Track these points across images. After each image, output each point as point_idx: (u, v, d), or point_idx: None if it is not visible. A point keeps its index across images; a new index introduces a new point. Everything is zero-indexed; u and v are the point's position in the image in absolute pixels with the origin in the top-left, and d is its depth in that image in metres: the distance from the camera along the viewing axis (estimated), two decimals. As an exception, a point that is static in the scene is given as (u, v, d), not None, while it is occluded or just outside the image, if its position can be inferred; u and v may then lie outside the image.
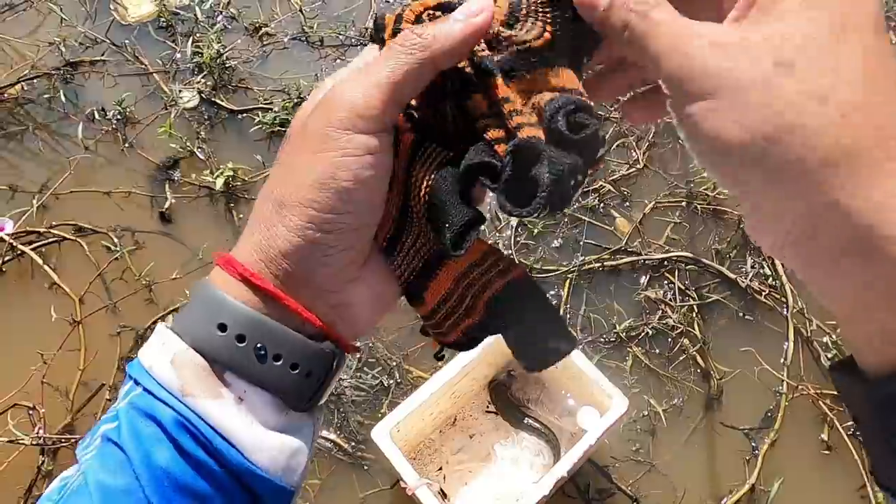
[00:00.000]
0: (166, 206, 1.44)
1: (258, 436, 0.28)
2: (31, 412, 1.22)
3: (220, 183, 1.42)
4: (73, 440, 1.19)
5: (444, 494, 1.08)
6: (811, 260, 0.24)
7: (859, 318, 0.24)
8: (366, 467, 1.17)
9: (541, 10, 0.29)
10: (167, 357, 0.28)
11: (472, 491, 1.10)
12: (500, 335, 0.34)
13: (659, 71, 0.24)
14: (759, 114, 0.22)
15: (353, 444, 1.19)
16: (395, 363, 1.25)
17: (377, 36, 0.31)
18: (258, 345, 0.28)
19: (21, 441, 1.16)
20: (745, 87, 0.22)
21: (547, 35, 0.29)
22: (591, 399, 1.04)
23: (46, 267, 1.36)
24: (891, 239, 0.21)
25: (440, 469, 1.12)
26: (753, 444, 1.17)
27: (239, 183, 1.46)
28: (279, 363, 0.28)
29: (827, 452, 1.16)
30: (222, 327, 0.28)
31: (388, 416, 0.96)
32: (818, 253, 0.23)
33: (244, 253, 0.29)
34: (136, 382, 0.29)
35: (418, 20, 0.29)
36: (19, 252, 1.38)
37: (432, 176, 0.29)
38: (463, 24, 0.27)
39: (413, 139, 0.30)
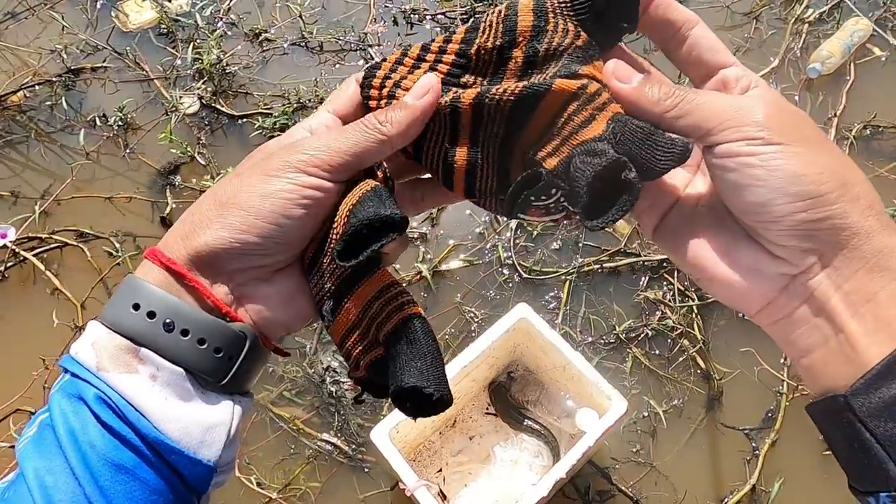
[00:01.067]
0: (167, 210, 1.44)
1: (169, 408, 0.30)
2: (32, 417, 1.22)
3: (220, 188, 1.43)
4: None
5: (443, 496, 1.08)
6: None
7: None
8: (366, 470, 1.17)
9: (566, 11, 0.32)
10: (89, 341, 0.31)
11: (472, 492, 1.10)
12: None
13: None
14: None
15: (353, 446, 1.19)
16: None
17: (363, 93, 0.35)
18: (167, 320, 0.30)
19: (23, 446, 1.17)
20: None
21: (583, 35, 0.32)
22: (590, 400, 1.04)
23: (48, 273, 1.37)
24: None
25: (440, 470, 1.13)
26: (754, 444, 1.17)
27: (239, 187, 1.46)
28: (187, 338, 0.31)
29: (828, 452, 1.16)
30: (136, 307, 0.30)
31: (388, 417, 0.96)
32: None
33: (167, 242, 0.33)
34: (65, 370, 0.31)
35: (395, 86, 0.34)
36: (21, 258, 1.39)
37: (355, 201, 0.32)
38: (409, 110, 0.33)
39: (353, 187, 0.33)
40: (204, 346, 0.31)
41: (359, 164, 0.33)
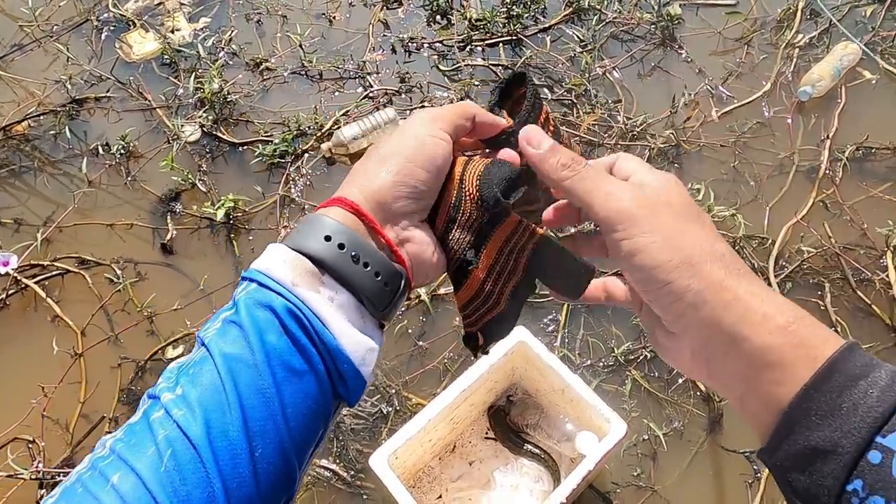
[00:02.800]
0: (168, 237, 1.46)
1: (344, 326, 0.36)
2: (30, 445, 1.22)
3: (220, 214, 1.45)
4: (72, 473, 1.19)
5: (443, 523, 1.07)
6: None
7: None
8: (365, 496, 1.16)
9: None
10: (279, 259, 0.36)
11: (473, 519, 1.09)
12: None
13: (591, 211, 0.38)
14: (670, 242, 0.36)
15: (351, 472, 1.18)
16: (394, 390, 1.25)
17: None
18: (353, 252, 0.36)
19: (20, 475, 1.16)
20: (658, 227, 0.36)
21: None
22: (590, 423, 1.04)
23: (49, 300, 1.38)
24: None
25: (440, 497, 1.12)
26: (756, 467, 1.16)
27: (239, 214, 1.48)
28: (367, 269, 0.37)
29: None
30: (328, 238, 0.36)
31: (387, 442, 0.95)
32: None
33: (345, 191, 0.39)
34: (251, 280, 0.36)
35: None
36: (23, 286, 1.40)
37: (481, 169, 0.41)
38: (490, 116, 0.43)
39: (461, 160, 0.42)
40: (378, 279, 0.37)
41: (464, 128, 0.42)
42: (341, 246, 0.36)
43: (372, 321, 0.38)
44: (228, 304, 0.36)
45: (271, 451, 0.32)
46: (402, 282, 0.38)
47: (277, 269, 0.35)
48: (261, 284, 0.35)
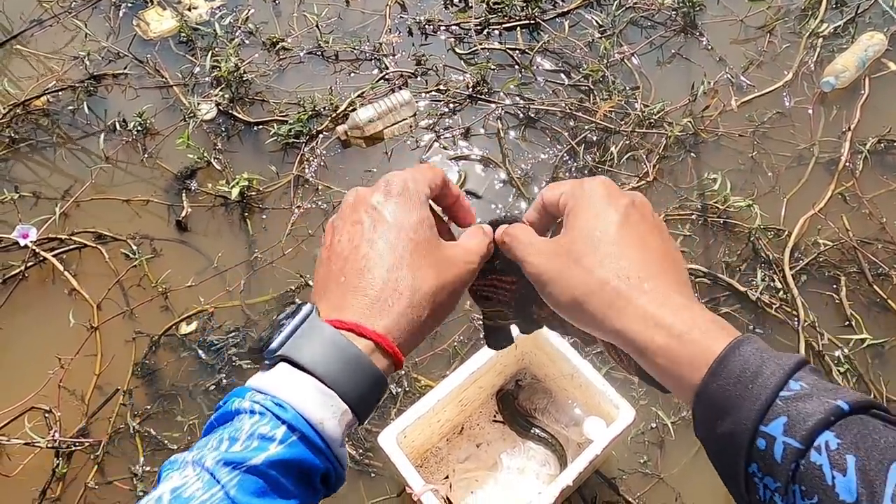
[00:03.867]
0: (183, 214, 1.47)
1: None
2: (47, 415, 1.24)
3: (235, 193, 1.46)
4: (87, 443, 1.21)
5: (449, 502, 1.08)
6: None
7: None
8: (373, 475, 1.18)
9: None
10: (336, 417, 0.33)
11: (478, 500, 1.10)
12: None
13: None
14: (567, 289, 0.38)
15: (360, 451, 1.20)
16: (403, 372, 1.26)
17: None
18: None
19: (37, 444, 1.19)
20: (558, 276, 0.38)
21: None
22: (598, 409, 1.04)
23: (67, 273, 1.40)
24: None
25: (446, 477, 1.13)
26: (763, 458, 1.16)
27: (254, 193, 1.49)
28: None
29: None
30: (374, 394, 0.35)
31: (395, 421, 0.96)
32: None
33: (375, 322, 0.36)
34: (290, 428, 0.32)
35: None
36: (41, 258, 1.42)
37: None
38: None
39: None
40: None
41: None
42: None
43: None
44: (246, 427, 0.32)
45: None
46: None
47: (332, 429, 0.34)
48: (303, 436, 0.32)
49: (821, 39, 1.64)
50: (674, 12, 1.72)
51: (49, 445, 1.20)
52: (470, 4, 1.78)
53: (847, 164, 1.45)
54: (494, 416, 1.18)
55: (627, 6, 1.74)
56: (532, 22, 1.74)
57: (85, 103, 1.64)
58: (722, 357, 0.32)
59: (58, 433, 1.21)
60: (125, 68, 1.71)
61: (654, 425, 1.19)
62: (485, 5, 1.76)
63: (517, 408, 1.16)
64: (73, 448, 1.21)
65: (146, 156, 1.57)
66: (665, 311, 0.34)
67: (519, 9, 1.75)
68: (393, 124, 1.54)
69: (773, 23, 1.68)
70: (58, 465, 1.19)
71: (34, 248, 1.42)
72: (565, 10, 1.75)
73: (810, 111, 1.54)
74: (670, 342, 0.34)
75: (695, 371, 0.33)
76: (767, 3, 1.72)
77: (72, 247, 1.44)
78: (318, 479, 0.33)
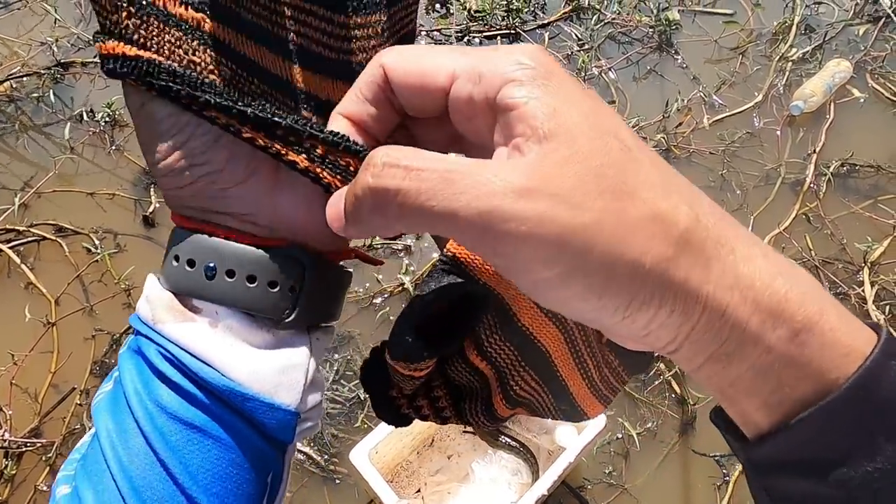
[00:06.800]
0: (150, 210, 1.43)
1: (235, 353, 0.27)
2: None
3: (206, 189, 1.42)
4: (38, 444, 1.17)
5: (416, 512, 1.07)
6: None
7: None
8: (338, 481, 1.16)
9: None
10: (144, 295, 0.29)
11: (446, 509, 1.09)
12: None
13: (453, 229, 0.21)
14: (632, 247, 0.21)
15: (325, 457, 1.18)
16: (372, 377, 1.24)
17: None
18: (208, 264, 0.27)
19: (-15, 443, 1.14)
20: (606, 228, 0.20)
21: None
22: (567, 420, 1.04)
23: (24, 266, 1.35)
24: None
25: (418, 491, 1.12)
26: (725, 471, 1.18)
27: (225, 190, 1.46)
28: (233, 279, 0.27)
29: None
30: (176, 258, 0.28)
31: (367, 437, 0.95)
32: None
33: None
34: (132, 327, 0.30)
35: None
36: (-3, 250, 1.36)
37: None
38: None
39: None
40: (255, 285, 0.27)
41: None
42: (190, 263, 0.27)
43: (290, 328, 0.29)
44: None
45: None
46: (305, 269, 0.28)
47: (142, 306, 0.29)
48: (135, 330, 0.29)
49: (790, 63, 1.70)
50: (650, 29, 1.75)
51: (-2, 445, 1.15)
52: (451, 11, 1.79)
53: (812, 185, 1.50)
54: (465, 427, 1.17)
55: (606, 21, 1.76)
56: (512, 32, 1.75)
57: (51, 91, 1.59)
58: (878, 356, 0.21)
59: (8, 433, 1.16)
60: (94, 57, 1.66)
61: (619, 436, 1.20)
62: (466, 13, 1.77)
63: (486, 416, 1.15)
64: (25, 448, 1.16)
65: (113, 148, 1.53)
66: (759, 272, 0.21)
67: (500, 18, 1.77)
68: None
69: (746, 45, 1.73)
70: (6, 466, 1.14)
71: (-10, 238, 1.36)
72: (545, 21, 1.77)
73: (778, 133, 1.59)
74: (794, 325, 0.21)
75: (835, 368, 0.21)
76: (741, 25, 1.77)
77: (30, 238, 1.39)
78: (163, 365, 0.28)
